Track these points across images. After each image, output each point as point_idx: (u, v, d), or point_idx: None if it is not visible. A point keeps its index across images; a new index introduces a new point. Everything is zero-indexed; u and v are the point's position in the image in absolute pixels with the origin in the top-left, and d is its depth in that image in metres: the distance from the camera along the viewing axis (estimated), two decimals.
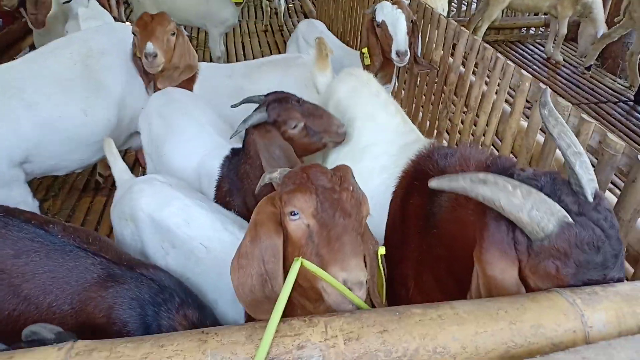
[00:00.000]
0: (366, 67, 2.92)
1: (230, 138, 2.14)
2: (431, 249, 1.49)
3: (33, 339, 1.12)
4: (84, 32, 2.73)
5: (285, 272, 1.13)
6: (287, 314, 0.97)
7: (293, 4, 8.15)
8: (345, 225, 1.16)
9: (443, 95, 3.02)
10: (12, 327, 1.47)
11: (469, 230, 1.20)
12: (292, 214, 1.17)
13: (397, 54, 2.76)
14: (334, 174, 1.23)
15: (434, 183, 1.14)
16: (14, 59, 4.46)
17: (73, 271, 1.48)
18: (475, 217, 1.19)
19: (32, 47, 5.04)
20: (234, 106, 2.16)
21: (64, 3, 3.81)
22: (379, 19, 2.78)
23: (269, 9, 7.43)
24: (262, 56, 5.65)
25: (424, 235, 1.51)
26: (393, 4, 2.78)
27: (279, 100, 2.02)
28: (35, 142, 2.49)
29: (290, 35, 4.79)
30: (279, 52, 6.08)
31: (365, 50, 2.84)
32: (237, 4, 4.72)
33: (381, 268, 1.34)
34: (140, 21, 2.58)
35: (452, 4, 7.33)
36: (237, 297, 1.22)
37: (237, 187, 2.17)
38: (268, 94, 2.07)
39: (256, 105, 2.06)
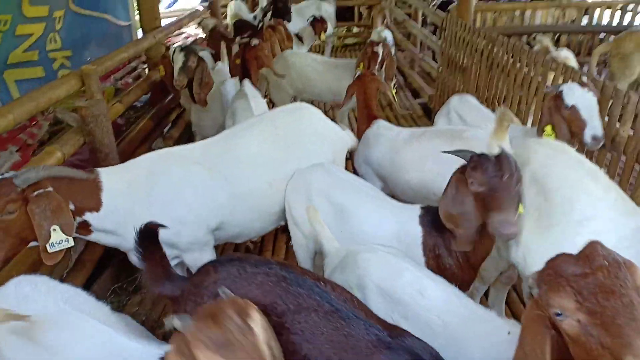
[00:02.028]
0: None
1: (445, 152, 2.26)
2: None
3: None
4: (271, 112, 2.96)
5: None
6: None
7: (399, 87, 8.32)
8: (614, 306, 1.10)
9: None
10: None
11: None
12: (557, 314, 1.15)
13: (594, 138, 2.73)
14: (580, 255, 1.17)
15: None
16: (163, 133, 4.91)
17: (349, 338, 1.51)
18: None
19: (175, 121, 5.56)
20: (445, 152, 2.25)
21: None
22: (568, 102, 2.76)
23: None
24: None
25: None
26: (579, 84, 2.78)
27: (483, 161, 2.05)
28: (229, 211, 2.66)
29: None
30: None
31: (548, 128, 2.82)
32: None
33: None
34: None
35: None
36: None
37: (442, 239, 2.25)
38: (480, 154, 2.10)
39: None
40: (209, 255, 2.74)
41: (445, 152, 2.24)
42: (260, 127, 2.81)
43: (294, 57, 5.40)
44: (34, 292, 1.78)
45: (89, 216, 2.32)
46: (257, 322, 1.23)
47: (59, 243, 2.08)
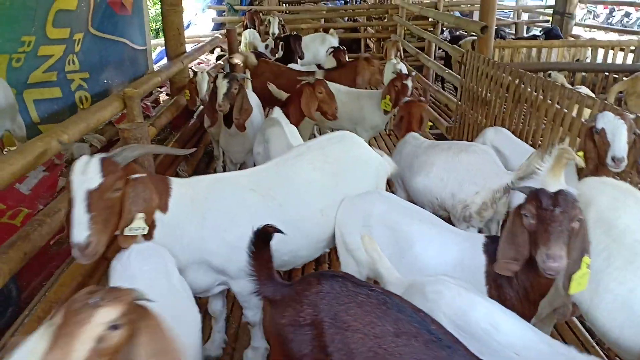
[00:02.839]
0: (579, 171, 2.98)
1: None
2: None
3: None
4: (319, 141, 2.99)
5: None
6: None
7: None
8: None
9: None
10: None
11: None
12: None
13: (613, 159, 2.80)
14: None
15: None
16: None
17: None
18: None
19: (197, 143, 5.57)
20: (511, 188, 2.25)
21: None
22: (598, 126, 2.87)
23: None
24: None
25: None
26: (616, 115, 2.86)
27: (539, 194, 2.06)
28: (281, 238, 2.62)
29: None
30: None
31: (581, 154, 2.90)
32: (385, 112, 5.01)
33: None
34: None
35: None
36: None
37: None
38: (539, 189, 2.12)
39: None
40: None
41: (511, 188, 2.27)
42: (310, 155, 2.82)
43: None
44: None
45: (157, 215, 2.32)
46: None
47: (137, 229, 2.11)
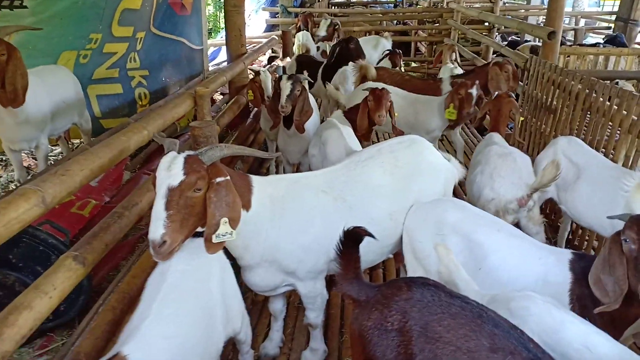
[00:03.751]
0: None
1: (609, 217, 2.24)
2: None
3: None
4: (389, 144, 2.94)
5: None
6: None
7: None
8: None
9: None
10: None
11: None
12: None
13: None
14: None
15: None
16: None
17: None
18: None
19: (252, 142, 5.63)
20: (610, 217, 2.19)
21: None
22: None
23: None
24: None
25: None
26: None
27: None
28: None
29: None
30: None
31: None
32: (450, 120, 4.90)
33: None
34: None
35: None
36: None
37: (590, 291, 2.11)
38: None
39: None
40: (320, 285, 2.69)
41: (609, 217, 2.19)
42: (381, 159, 2.79)
43: None
44: None
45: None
46: None
47: (224, 235, 2.06)
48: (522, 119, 4.35)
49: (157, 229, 1.94)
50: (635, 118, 3.70)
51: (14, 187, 4.59)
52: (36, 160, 5.05)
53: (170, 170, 2.01)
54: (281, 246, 2.44)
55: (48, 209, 1.80)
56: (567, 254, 2.27)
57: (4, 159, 5.68)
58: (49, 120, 4.36)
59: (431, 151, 3.00)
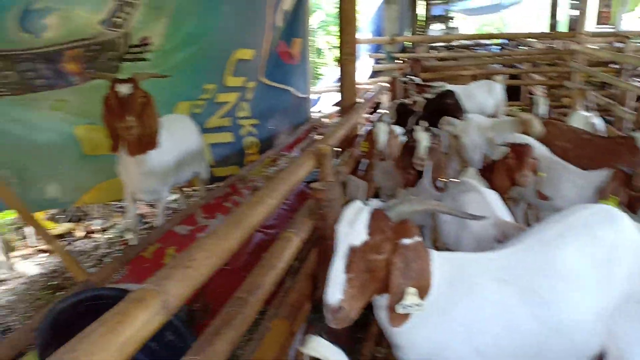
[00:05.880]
0: None
1: None
2: None
3: None
4: (579, 216, 2.28)
5: None
6: None
7: None
8: None
9: None
10: None
11: None
12: None
13: None
14: None
15: None
16: None
17: None
18: None
19: None
20: None
21: None
22: None
23: None
24: None
25: None
26: None
27: None
28: (536, 347, 2.02)
29: None
30: None
31: None
32: None
33: None
34: None
35: None
36: None
37: None
38: None
39: None
40: None
41: None
42: (574, 236, 2.15)
43: None
44: None
45: None
46: None
47: (410, 306, 1.78)
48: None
49: (334, 293, 1.74)
50: None
51: (130, 236, 4.45)
52: (149, 206, 5.00)
53: (353, 227, 1.76)
54: (450, 344, 1.94)
55: (170, 315, 1.39)
56: None
57: (124, 206, 5.74)
58: (172, 172, 4.23)
59: (630, 226, 2.30)
